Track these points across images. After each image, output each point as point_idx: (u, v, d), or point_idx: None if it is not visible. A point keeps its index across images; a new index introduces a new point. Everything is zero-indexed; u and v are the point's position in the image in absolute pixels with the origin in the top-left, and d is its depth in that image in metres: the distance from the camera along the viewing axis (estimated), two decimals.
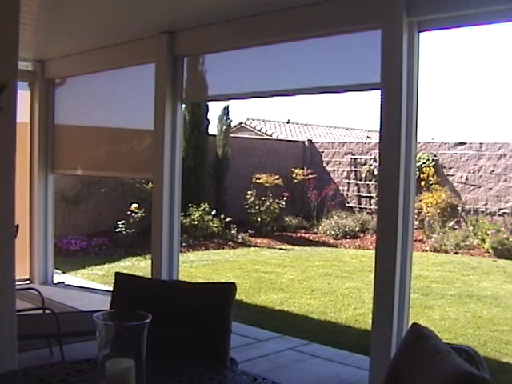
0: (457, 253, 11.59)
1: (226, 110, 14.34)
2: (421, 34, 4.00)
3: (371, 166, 14.49)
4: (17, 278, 3.54)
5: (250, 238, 12.64)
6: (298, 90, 5.07)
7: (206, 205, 12.38)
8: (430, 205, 12.94)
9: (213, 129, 14.08)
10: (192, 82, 5.75)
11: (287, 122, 23.29)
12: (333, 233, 13.27)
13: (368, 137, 21.32)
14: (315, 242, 13.07)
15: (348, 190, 15.24)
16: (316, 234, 13.69)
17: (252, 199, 13.44)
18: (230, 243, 12.22)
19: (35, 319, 4.66)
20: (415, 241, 11.58)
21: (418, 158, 12.94)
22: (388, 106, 4.01)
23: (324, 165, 15.81)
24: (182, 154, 6.54)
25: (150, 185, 9.37)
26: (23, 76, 6.98)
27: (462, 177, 13.37)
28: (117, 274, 3.09)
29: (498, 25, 3.91)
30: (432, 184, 13.40)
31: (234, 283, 2.93)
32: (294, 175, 15.12)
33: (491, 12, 3.69)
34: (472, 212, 12.98)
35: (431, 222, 12.85)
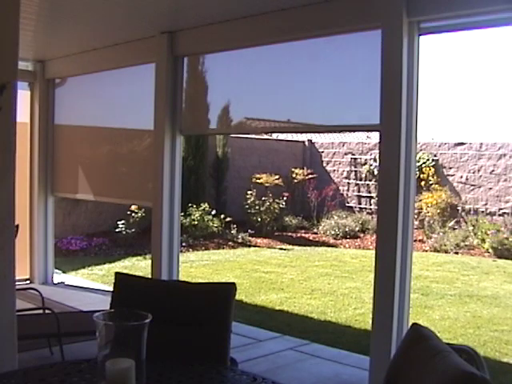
0: (457, 253, 11.59)
1: (226, 110, 14.33)
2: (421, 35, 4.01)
3: (371, 166, 14.49)
4: (17, 277, 3.54)
5: (250, 238, 12.64)
6: (302, 128, 5.20)
7: (206, 205, 12.38)
8: (430, 205, 12.93)
9: None
10: (191, 116, 5.80)
11: (287, 122, 23.26)
12: (333, 233, 13.27)
13: (368, 137, 21.29)
14: (315, 241, 13.06)
15: (348, 190, 15.24)
16: (316, 233, 13.69)
17: (252, 199, 13.44)
18: (230, 243, 12.22)
19: (35, 319, 4.66)
20: (415, 241, 11.57)
21: (418, 158, 12.93)
22: (388, 106, 4.01)
23: (324, 165, 15.80)
24: (182, 154, 6.55)
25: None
26: (23, 76, 6.98)
27: (461, 177, 13.37)
28: (117, 273, 3.09)
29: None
30: (432, 184, 13.40)
31: (234, 283, 2.93)
32: (294, 175, 15.12)
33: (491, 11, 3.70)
34: (472, 212, 12.98)
35: (431, 222, 12.84)
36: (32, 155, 7.30)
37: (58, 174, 7.29)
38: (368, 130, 4.56)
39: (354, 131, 4.33)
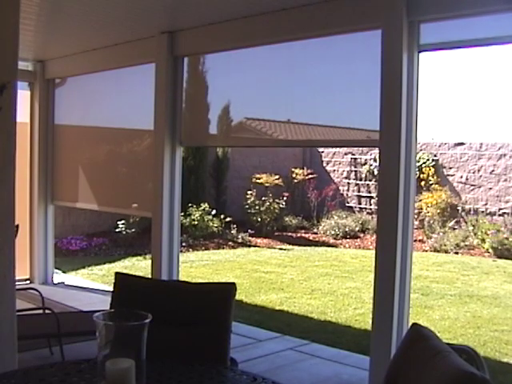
0: (457, 253, 11.59)
1: (226, 110, 14.33)
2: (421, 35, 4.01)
3: (371, 166, 14.48)
4: (17, 277, 3.54)
5: (250, 238, 12.64)
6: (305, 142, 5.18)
7: (206, 205, 12.37)
8: (430, 205, 12.93)
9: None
10: (191, 120, 5.82)
11: (287, 122, 23.26)
12: (333, 233, 13.27)
13: (368, 137, 21.31)
14: (315, 241, 13.06)
15: (348, 190, 15.23)
16: (316, 233, 13.68)
17: (252, 199, 13.44)
18: (230, 243, 12.22)
19: (35, 319, 4.66)
20: (415, 241, 11.57)
21: (418, 158, 12.92)
22: (387, 107, 4.01)
23: (324, 165, 15.80)
24: (182, 154, 6.56)
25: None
26: (23, 76, 6.98)
27: (461, 177, 13.37)
28: (117, 273, 3.09)
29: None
30: (432, 184, 13.40)
31: (234, 283, 2.93)
32: (294, 175, 15.11)
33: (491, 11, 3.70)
34: (472, 212, 12.98)
35: (431, 221, 12.84)
36: (32, 157, 7.29)
37: (58, 179, 7.27)
38: (368, 145, 4.55)
39: (355, 146, 4.26)
